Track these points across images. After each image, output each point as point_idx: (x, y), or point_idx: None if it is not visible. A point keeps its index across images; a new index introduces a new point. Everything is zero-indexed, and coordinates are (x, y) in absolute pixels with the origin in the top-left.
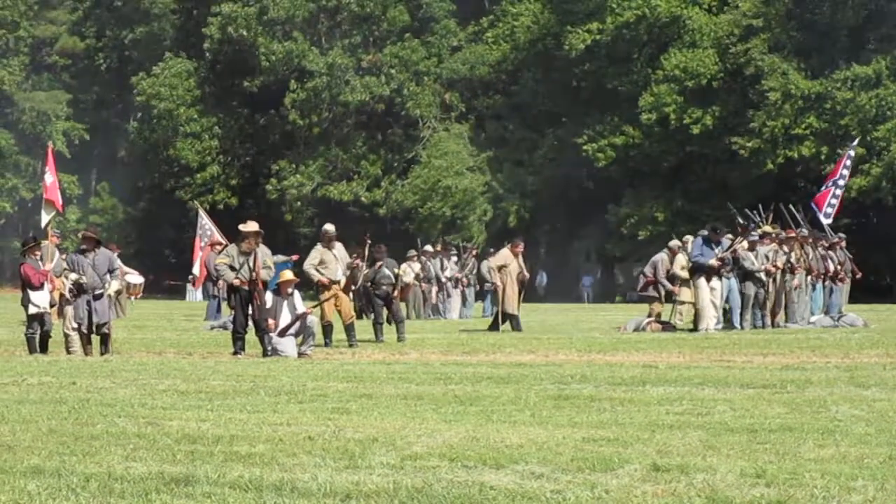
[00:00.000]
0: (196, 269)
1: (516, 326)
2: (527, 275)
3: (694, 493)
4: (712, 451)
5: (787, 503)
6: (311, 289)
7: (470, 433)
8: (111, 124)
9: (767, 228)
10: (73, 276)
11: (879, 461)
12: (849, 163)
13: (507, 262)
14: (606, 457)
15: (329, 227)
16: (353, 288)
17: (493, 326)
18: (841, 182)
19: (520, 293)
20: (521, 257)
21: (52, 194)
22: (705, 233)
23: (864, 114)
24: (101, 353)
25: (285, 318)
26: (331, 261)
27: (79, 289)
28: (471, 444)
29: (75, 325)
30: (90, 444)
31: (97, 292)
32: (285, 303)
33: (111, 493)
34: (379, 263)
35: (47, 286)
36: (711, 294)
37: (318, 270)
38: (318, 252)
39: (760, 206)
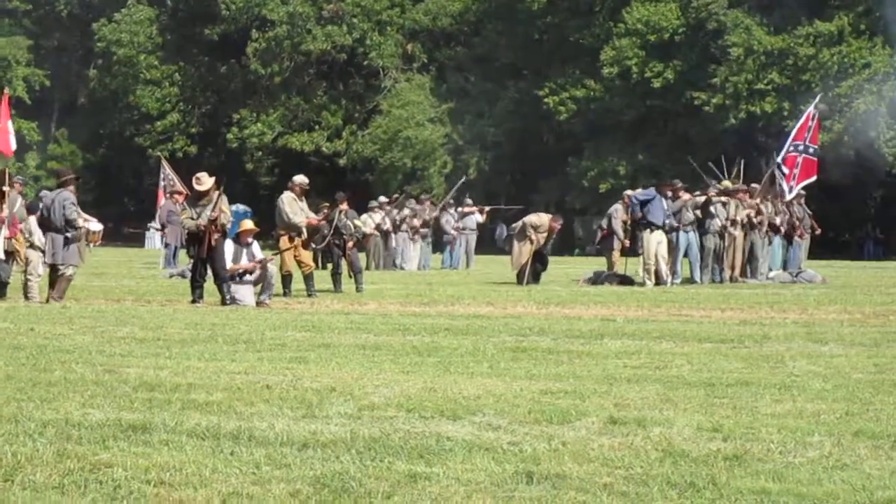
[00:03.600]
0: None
1: (529, 280)
2: (544, 252)
3: (651, 447)
4: (669, 404)
5: (743, 457)
6: (271, 239)
7: (427, 384)
8: (72, 70)
9: (727, 183)
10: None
11: (836, 417)
12: (812, 123)
13: (542, 230)
14: (563, 409)
15: (303, 179)
16: (314, 246)
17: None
18: (811, 147)
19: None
20: (553, 235)
21: (3, 140)
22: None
23: (826, 70)
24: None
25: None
26: (298, 211)
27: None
28: (428, 394)
29: (39, 272)
30: (47, 390)
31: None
32: (244, 251)
33: (68, 440)
34: (340, 212)
35: (4, 232)
36: (659, 247)
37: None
38: (290, 201)
39: (724, 161)
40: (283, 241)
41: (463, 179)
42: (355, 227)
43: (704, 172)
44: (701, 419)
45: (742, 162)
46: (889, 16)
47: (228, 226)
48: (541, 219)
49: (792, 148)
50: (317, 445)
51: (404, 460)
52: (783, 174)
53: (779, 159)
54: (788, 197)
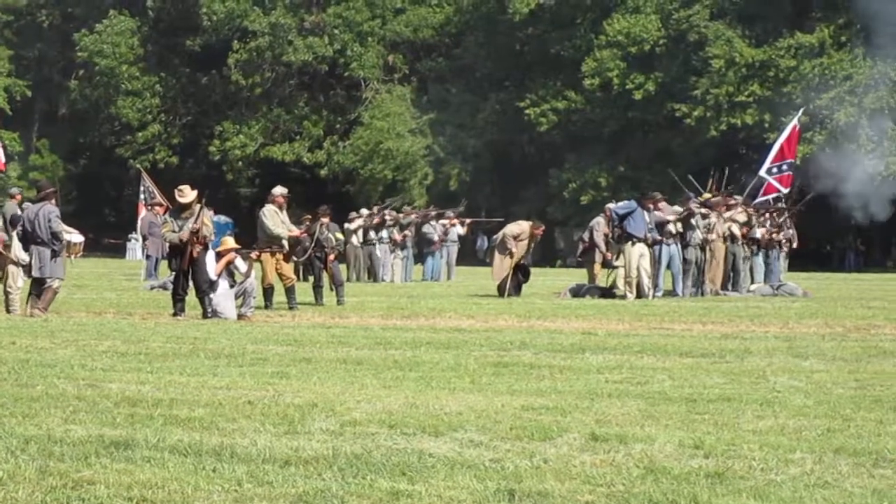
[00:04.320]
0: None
1: (511, 293)
2: (525, 263)
3: (632, 464)
4: (651, 420)
5: (725, 475)
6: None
7: (409, 399)
8: (53, 81)
9: (707, 196)
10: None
11: (818, 433)
12: (795, 134)
13: (523, 238)
14: (545, 425)
15: (283, 190)
16: (295, 259)
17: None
18: (785, 163)
19: (514, 273)
20: (534, 239)
21: None
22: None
23: (807, 82)
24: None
25: (224, 281)
26: (279, 224)
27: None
28: (410, 410)
29: (19, 285)
30: (29, 405)
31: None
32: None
33: (50, 456)
34: (321, 225)
35: None
36: (640, 260)
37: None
38: (272, 214)
39: (714, 173)
40: (265, 256)
41: (461, 208)
42: (336, 239)
43: (685, 185)
44: (683, 435)
45: (717, 174)
46: (869, 27)
47: (211, 238)
48: (520, 227)
49: (776, 169)
50: (299, 462)
51: (386, 477)
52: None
53: (763, 172)
54: (755, 202)
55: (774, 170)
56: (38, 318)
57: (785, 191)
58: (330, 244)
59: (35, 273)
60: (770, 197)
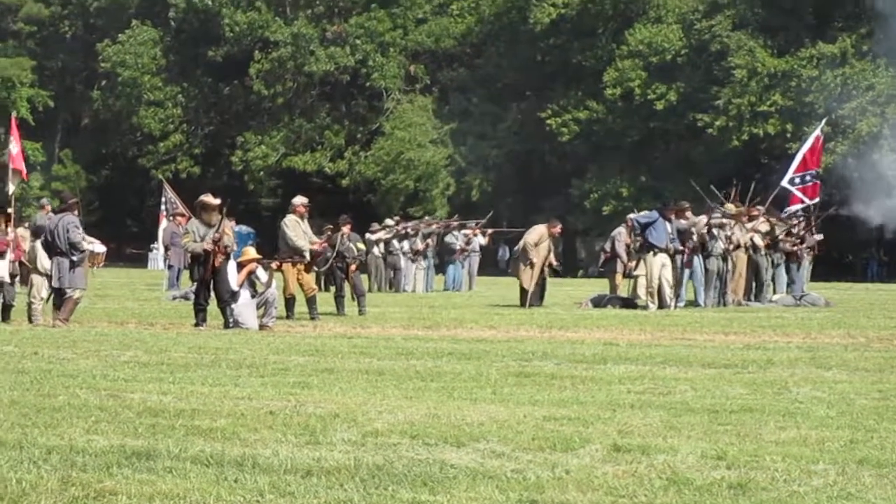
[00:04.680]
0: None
1: (532, 302)
2: (553, 260)
3: (655, 475)
4: (673, 431)
5: (747, 486)
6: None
7: (431, 410)
8: (76, 91)
9: (731, 206)
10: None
11: (840, 444)
12: (819, 144)
13: (542, 240)
14: (567, 436)
15: (304, 200)
16: (316, 269)
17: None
18: (810, 173)
19: (541, 274)
20: (553, 238)
21: (18, 163)
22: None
23: (829, 92)
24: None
25: (245, 291)
26: (301, 234)
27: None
28: (432, 421)
29: (42, 296)
30: (52, 416)
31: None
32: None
33: (73, 467)
34: (342, 235)
35: (9, 255)
36: (662, 270)
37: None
38: (294, 224)
39: (737, 184)
40: (287, 266)
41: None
42: (358, 249)
43: (706, 195)
44: (705, 446)
45: (739, 185)
46: (891, 36)
47: (233, 248)
48: (538, 232)
49: (798, 180)
50: (321, 473)
51: (408, 488)
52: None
53: (785, 182)
54: (784, 214)
55: (797, 180)
56: (60, 329)
57: (812, 202)
58: (351, 254)
59: (55, 283)
60: (798, 207)
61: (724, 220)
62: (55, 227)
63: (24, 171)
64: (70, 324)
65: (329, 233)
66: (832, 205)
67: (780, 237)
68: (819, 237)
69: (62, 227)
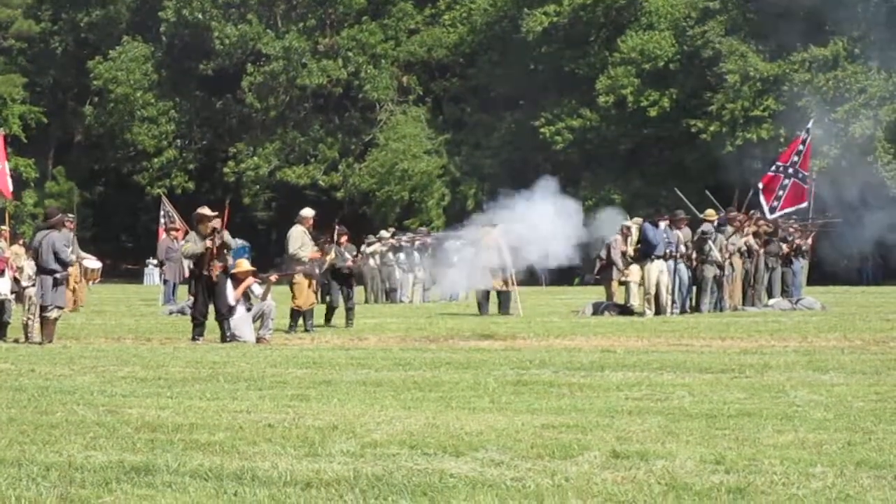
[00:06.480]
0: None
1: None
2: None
3: (654, 481)
4: (671, 437)
5: (746, 490)
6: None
7: (429, 420)
8: (68, 108)
9: (710, 212)
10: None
11: (838, 447)
12: (802, 147)
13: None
14: (566, 443)
15: (311, 213)
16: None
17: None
18: (801, 173)
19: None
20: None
21: (2, 182)
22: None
23: (821, 95)
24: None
25: (241, 306)
26: (309, 245)
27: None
28: (430, 431)
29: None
30: (50, 432)
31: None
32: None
33: (72, 483)
34: (339, 246)
35: (7, 273)
36: (660, 276)
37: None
38: (300, 235)
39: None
40: (299, 278)
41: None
42: (353, 258)
43: (690, 203)
44: (703, 451)
45: (739, 194)
46: (883, 39)
47: (235, 245)
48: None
49: (774, 168)
50: (320, 485)
51: (408, 499)
52: (761, 191)
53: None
54: (770, 217)
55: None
56: (56, 346)
57: (799, 206)
58: (345, 266)
59: (37, 300)
60: (790, 210)
61: (726, 228)
62: (39, 245)
63: (10, 189)
64: (59, 341)
65: (327, 244)
66: (826, 210)
67: (776, 240)
68: (808, 242)
69: (47, 245)
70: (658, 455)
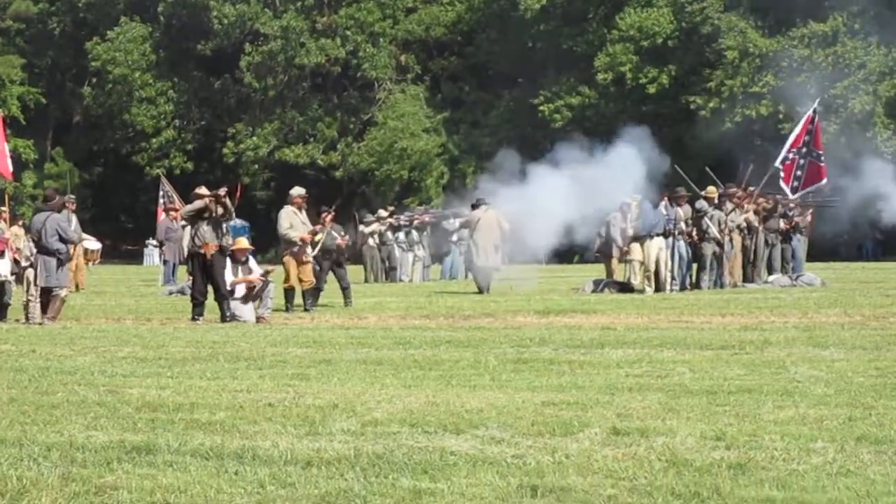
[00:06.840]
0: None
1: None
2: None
3: (654, 457)
4: (672, 413)
5: (747, 465)
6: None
7: (430, 398)
8: (66, 89)
9: (711, 189)
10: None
11: (839, 422)
12: (812, 127)
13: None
14: (566, 421)
15: (301, 192)
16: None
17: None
18: (814, 152)
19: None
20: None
21: (2, 163)
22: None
23: (821, 71)
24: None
25: (240, 286)
26: (299, 225)
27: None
28: (431, 409)
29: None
30: (51, 412)
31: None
32: (240, 268)
33: (73, 463)
34: (327, 227)
35: (8, 254)
36: (660, 254)
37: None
38: (289, 215)
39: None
40: (287, 258)
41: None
42: (341, 238)
43: (689, 179)
44: (704, 428)
45: (742, 167)
46: (883, 14)
47: (232, 212)
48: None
49: (790, 155)
50: (321, 463)
51: (408, 476)
52: (780, 177)
53: (777, 164)
54: (793, 197)
55: (790, 157)
56: (56, 326)
57: (819, 184)
58: (335, 247)
59: (41, 282)
60: (810, 189)
61: (726, 204)
62: (41, 227)
63: (10, 170)
64: (57, 322)
65: (324, 219)
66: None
67: (776, 216)
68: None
69: (50, 227)
70: (658, 431)
